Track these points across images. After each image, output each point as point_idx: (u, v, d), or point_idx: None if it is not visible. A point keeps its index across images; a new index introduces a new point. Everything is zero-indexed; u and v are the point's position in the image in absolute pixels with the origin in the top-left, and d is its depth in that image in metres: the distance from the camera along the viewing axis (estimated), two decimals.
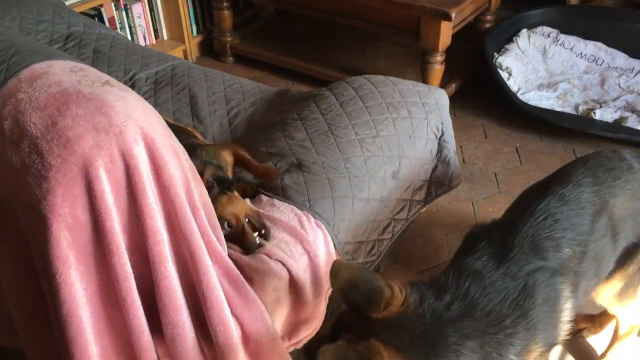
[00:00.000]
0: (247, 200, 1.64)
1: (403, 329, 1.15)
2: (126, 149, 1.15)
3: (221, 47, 3.59)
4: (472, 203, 2.54)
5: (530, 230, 1.33)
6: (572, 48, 3.30)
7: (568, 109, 2.96)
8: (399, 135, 1.88)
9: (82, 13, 2.97)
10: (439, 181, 2.01)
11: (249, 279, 1.43)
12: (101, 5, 3.22)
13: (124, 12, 3.34)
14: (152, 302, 1.29)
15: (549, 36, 3.33)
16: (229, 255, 1.43)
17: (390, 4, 2.74)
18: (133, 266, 1.23)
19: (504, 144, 2.89)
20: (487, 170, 2.72)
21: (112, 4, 3.27)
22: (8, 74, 1.24)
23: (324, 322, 1.63)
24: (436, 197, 2.05)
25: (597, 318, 1.95)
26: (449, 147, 2.02)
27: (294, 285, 1.50)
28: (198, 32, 3.71)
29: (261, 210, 1.60)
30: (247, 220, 1.53)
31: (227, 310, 1.33)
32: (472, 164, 2.76)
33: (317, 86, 2.27)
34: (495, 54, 3.21)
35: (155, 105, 2.02)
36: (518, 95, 2.99)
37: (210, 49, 3.69)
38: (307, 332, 1.58)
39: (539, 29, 3.36)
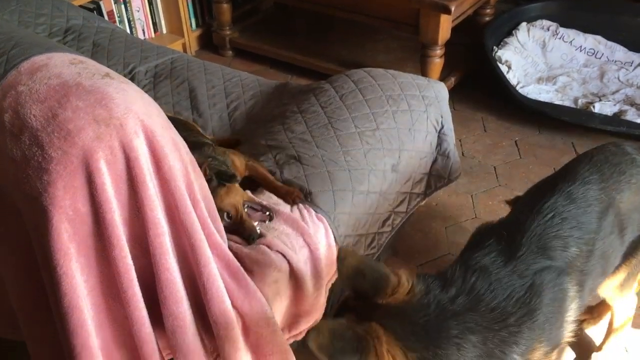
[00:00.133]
0: (248, 192, 1.64)
1: (406, 317, 1.16)
2: (126, 141, 1.15)
3: (220, 41, 3.58)
4: (472, 196, 2.54)
5: (538, 229, 1.33)
6: (571, 41, 3.30)
7: (567, 103, 2.96)
8: (399, 128, 1.88)
9: (80, 6, 2.96)
10: (438, 174, 2.02)
11: (250, 271, 1.43)
12: None
13: (122, 6, 3.33)
14: (152, 295, 1.30)
15: (548, 29, 3.33)
16: (230, 248, 1.43)
17: None
18: (134, 258, 1.23)
19: (503, 138, 2.89)
20: (487, 164, 2.73)
21: None
22: (8, 67, 1.24)
23: (324, 314, 1.63)
24: (436, 190, 2.05)
25: (596, 309, 1.96)
26: (448, 140, 2.02)
27: (295, 278, 1.51)
28: (197, 25, 3.70)
29: (263, 202, 1.60)
30: (246, 208, 1.53)
31: (228, 302, 1.34)
32: (471, 158, 2.77)
33: (317, 80, 2.27)
34: (494, 47, 3.20)
35: (155, 99, 2.01)
36: (517, 88, 2.99)
37: (209, 43, 3.69)
38: (307, 325, 1.58)
39: (539, 22, 3.36)
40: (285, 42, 3.47)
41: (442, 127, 2.00)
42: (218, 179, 1.52)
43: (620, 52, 3.27)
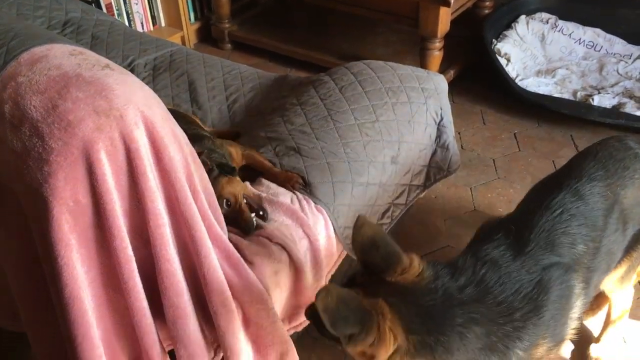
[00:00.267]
0: (248, 184, 1.64)
1: (413, 298, 1.16)
2: (127, 132, 1.15)
3: (219, 34, 3.58)
4: (471, 189, 2.55)
5: (547, 225, 1.33)
6: (570, 34, 3.30)
7: (566, 95, 2.96)
8: (398, 120, 1.88)
9: None
10: (438, 166, 2.02)
11: (250, 263, 1.44)
12: None
13: None
14: (153, 286, 1.30)
15: (547, 22, 3.33)
16: (230, 239, 1.44)
17: None
18: (134, 250, 1.24)
19: (503, 130, 2.89)
20: (486, 157, 2.73)
21: None
22: (8, 58, 1.24)
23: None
24: (435, 182, 2.05)
25: (594, 300, 1.96)
26: (448, 132, 2.03)
27: (294, 269, 1.51)
28: (196, 18, 3.69)
29: (262, 194, 1.60)
30: (245, 201, 1.54)
31: (228, 293, 1.34)
32: (470, 150, 2.77)
33: (316, 73, 2.27)
34: (493, 40, 3.20)
35: (154, 91, 2.01)
36: (516, 81, 2.99)
37: (208, 36, 3.68)
38: None
39: (538, 15, 3.36)
40: (284, 35, 3.46)
41: (442, 119, 2.01)
42: (219, 170, 1.53)
43: (619, 45, 3.27)
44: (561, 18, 3.34)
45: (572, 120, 2.83)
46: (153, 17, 3.54)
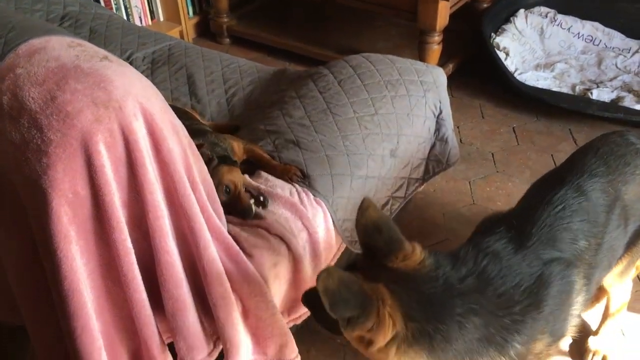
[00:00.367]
0: (246, 177, 1.64)
1: (413, 285, 1.16)
2: (126, 123, 1.15)
3: (218, 29, 3.57)
4: (469, 183, 2.55)
5: (549, 220, 1.33)
6: (569, 28, 3.30)
7: (565, 89, 2.96)
8: (397, 113, 1.88)
9: None
10: (437, 159, 2.02)
11: (249, 255, 1.44)
12: None
13: None
14: (152, 278, 1.30)
15: (546, 16, 3.32)
16: (228, 231, 1.44)
17: None
18: (134, 242, 1.24)
19: (501, 124, 2.89)
20: (484, 150, 2.73)
21: None
22: (6, 49, 1.23)
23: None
24: (434, 175, 2.05)
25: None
26: (447, 125, 2.03)
27: (294, 261, 1.51)
28: (194, 13, 3.68)
29: (261, 186, 1.60)
30: (244, 189, 1.54)
31: (227, 285, 1.34)
32: (469, 144, 2.77)
33: (315, 67, 2.27)
34: (492, 34, 3.20)
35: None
36: (515, 75, 2.99)
37: (206, 31, 3.67)
38: (306, 309, 1.59)
39: (537, 9, 3.35)
40: (283, 30, 3.46)
41: (441, 112, 2.01)
42: (219, 160, 1.53)
43: (618, 39, 3.27)
44: (560, 12, 3.33)
45: (571, 114, 2.83)
46: (151, 11, 3.53)
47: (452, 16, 2.80)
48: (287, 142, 1.74)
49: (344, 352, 1.86)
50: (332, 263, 1.66)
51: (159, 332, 1.33)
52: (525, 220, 1.34)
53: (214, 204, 1.40)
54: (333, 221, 1.62)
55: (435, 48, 2.81)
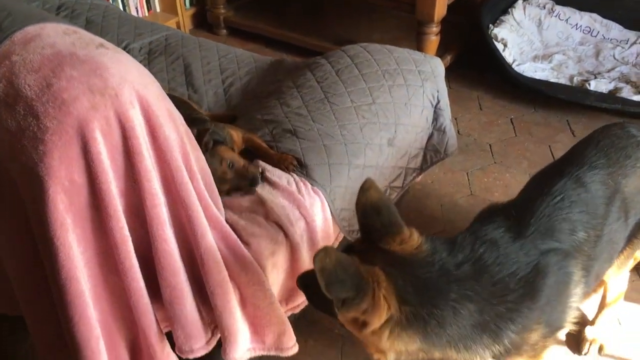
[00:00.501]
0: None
1: (409, 269, 1.16)
2: (122, 111, 1.15)
3: (214, 20, 3.55)
4: (467, 174, 2.55)
5: (547, 210, 1.33)
6: (567, 19, 3.29)
7: (563, 80, 2.96)
8: (395, 102, 1.88)
9: None
10: (434, 149, 2.02)
11: (246, 243, 1.44)
12: None
13: None
14: (150, 267, 1.30)
15: (544, 7, 3.32)
16: (226, 220, 1.43)
17: None
18: (131, 230, 1.23)
19: (499, 116, 2.89)
20: (482, 142, 2.73)
21: None
22: (1, 37, 1.22)
23: None
24: (432, 165, 2.05)
25: None
26: (444, 114, 2.02)
27: (291, 250, 1.51)
28: (191, 4, 3.67)
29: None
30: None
31: (225, 273, 1.34)
32: (467, 135, 2.77)
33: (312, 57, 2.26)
34: (490, 25, 3.19)
35: None
36: (513, 66, 2.99)
37: (203, 22, 3.66)
38: (304, 297, 1.59)
39: (535, 0, 3.34)
40: (280, 21, 3.44)
41: (438, 102, 2.00)
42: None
43: (615, 30, 3.26)
44: (558, 3, 3.33)
45: (569, 105, 2.83)
46: (148, 3, 3.51)
47: (450, 7, 2.80)
48: (285, 132, 1.73)
49: (341, 342, 1.86)
50: None
51: (156, 321, 1.33)
52: (524, 211, 1.34)
53: (211, 193, 1.40)
54: (331, 210, 1.61)
55: (433, 39, 2.81)
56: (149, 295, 1.30)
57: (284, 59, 2.26)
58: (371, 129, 1.79)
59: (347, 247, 1.26)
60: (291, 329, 1.50)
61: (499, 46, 3.06)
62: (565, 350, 1.85)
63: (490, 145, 2.70)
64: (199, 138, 1.47)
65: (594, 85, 2.86)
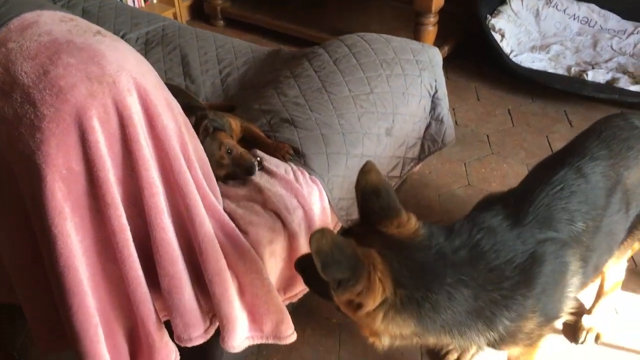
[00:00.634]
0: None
1: (406, 252, 1.16)
2: (120, 98, 1.14)
3: (212, 10, 3.54)
4: (465, 164, 2.55)
5: (546, 200, 1.32)
6: (565, 10, 3.29)
7: (560, 71, 2.96)
8: (393, 92, 1.88)
9: None
10: (432, 138, 2.02)
11: (244, 232, 1.44)
12: None
13: None
14: (148, 256, 1.30)
15: None
16: (224, 209, 1.43)
17: None
18: (129, 219, 1.23)
19: (497, 106, 2.89)
20: (480, 132, 2.73)
21: None
22: None
23: None
24: (429, 154, 2.05)
25: None
26: (442, 104, 2.02)
27: (289, 239, 1.51)
28: None
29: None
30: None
31: (223, 262, 1.34)
32: (464, 126, 2.77)
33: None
34: (488, 16, 3.19)
35: None
36: (511, 57, 2.99)
37: (200, 13, 3.65)
38: (302, 286, 1.59)
39: None
40: (277, 12, 3.43)
41: (436, 91, 2.00)
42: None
43: (613, 21, 3.26)
44: None
45: (566, 95, 2.83)
46: None
47: None
48: (282, 121, 1.73)
49: (339, 331, 1.87)
50: None
51: (155, 310, 1.33)
52: (523, 199, 1.34)
53: (209, 182, 1.40)
54: (329, 199, 1.61)
55: (430, 30, 2.80)
56: (148, 284, 1.30)
57: (282, 49, 2.25)
58: (369, 119, 1.79)
59: (345, 230, 1.26)
60: (289, 318, 1.50)
61: (497, 37, 3.05)
62: (561, 338, 1.85)
63: (487, 136, 2.70)
64: (197, 124, 1.47)
65: (591, 76, 2.86)
